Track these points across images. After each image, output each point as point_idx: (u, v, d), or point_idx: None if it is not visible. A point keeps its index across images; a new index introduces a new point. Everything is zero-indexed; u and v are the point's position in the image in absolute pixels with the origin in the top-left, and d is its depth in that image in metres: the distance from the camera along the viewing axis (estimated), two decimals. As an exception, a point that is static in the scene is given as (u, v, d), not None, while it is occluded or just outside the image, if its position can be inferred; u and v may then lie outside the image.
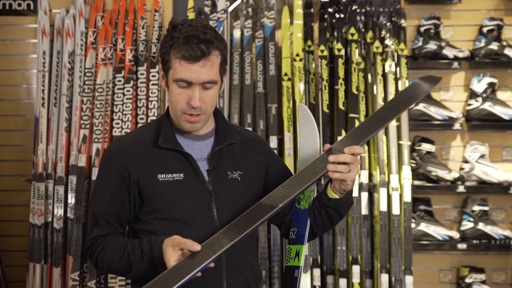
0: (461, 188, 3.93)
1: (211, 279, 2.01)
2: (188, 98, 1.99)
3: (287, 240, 2.24)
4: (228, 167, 2.09)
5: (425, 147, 3.98)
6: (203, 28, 1.99)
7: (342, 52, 3.81)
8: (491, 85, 3.99)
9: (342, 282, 3.64)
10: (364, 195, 3.70)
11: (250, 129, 3.74)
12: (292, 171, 3.58)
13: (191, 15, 3.85)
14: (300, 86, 3.76)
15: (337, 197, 2.08)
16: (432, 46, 3.99)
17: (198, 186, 2.03)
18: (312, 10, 3.92)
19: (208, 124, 2.11)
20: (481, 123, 4.00)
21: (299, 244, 2.17)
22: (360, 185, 3.68)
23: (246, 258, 2.09)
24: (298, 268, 2.15)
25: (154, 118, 3.72)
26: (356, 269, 3.65)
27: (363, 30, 3.89)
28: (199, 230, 2.00)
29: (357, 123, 3.72)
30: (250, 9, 3.91)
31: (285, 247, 3.62)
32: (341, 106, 3.75)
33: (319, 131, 3.73)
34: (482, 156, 4.00)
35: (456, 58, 3.99)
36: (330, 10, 3.90)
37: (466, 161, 4.04)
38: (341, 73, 3.79)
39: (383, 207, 3.66)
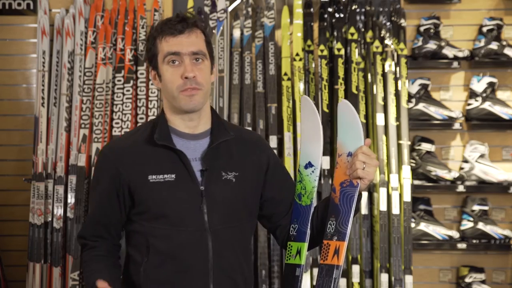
0: (460, 188, 3.93)
1: (198, 281, 2.00)
2: (181, 73, 2.01)
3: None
4: (223, 168, 2.06)
5: (425, 146, 3.98)
6: (179, 15, 2.08)
7: (342, 52, 3.81)
8: (490, 84, 3.99)
9: (342, 281, 3.65)
10: (364, 195, 3.69)
11: (249, 128, 3.74)
12: (292, 170, 3.61)
13: (191, 14, 3.85)
14: (300, 86, 3.76)
15: None
16: (431, 45, 3.99)
17: (190, 187, 2.02)
18: (312, 9, 3.92)
19: (204, 124, 2.10)
20: (480, 123, 4.00)
21: (300, 242, 2.13)
22: (360, 184, 3.68)
23: (235, 261, 2.05)
24: (299, 267, 2.12)
25: (154, 117, 3.72)
26: (356, 268, 3.65)
27: (362, 29, 3.89)
28: (188, 232, 1.99)
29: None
30: (250, 9, 3.91)
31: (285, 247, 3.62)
32: (341, 106, 3.75)
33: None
34: (481, 156, 4.00)
35: (455, 58, 3.99)
36: (330, 9, 3.90)
37: (465, 161, 4.04)
38: (340, 72, 3.79)
39: (383, 207, 3.66)
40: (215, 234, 2.01)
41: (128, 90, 3.76)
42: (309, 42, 3.85)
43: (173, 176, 2.01)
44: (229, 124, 2.18)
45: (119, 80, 3.77)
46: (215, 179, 2.04)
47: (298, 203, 2.16)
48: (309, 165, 2.17)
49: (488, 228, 3.95)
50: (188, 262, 2.00)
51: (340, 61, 3.80)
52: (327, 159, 3.71)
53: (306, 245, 2.13)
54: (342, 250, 2.03)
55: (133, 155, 2.04)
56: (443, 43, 3.99)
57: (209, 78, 2.06)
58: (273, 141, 3.73)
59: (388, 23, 3.91)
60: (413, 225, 3.87)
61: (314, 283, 3.61)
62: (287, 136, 3.72)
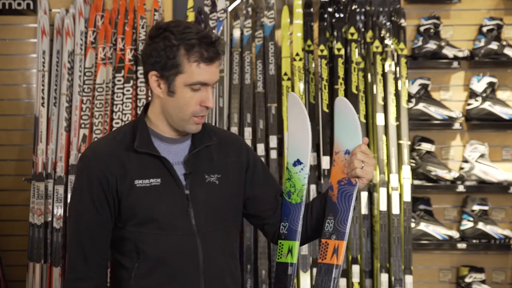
0: (460, 188, 3.93)
1: (189, 285, 2.00)
2: (200, 100, 1.97)
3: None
4: (205, 171, 2.05)
5: (425, 146, 3.98)
6: (202, 29, 2.01)
7: (342, 52, 3.81)
8: (490, 84, 3.99)
9: (342, 281, 3.64)
10: (364, 195, 3.70)
11: (249, 129, 3.75)
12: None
13: (190, 14, 3.85)
14: (300, 86, 3.76)
15: None
16: (431, 45, 3.98)
17: (175, 191, 2.00)
18: (312, 9, 3.92)
19: None
20: (480, 123, 4.00)
21: (291, 240, 2.12)
22: (360, 184, 3.68)
23: (224, 263, 2.05)
24: (292, 265, 2.11)
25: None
26: (356, 268, 3.65)
27: (362, 29, 3.89)
28: (176, 236, 1.99)
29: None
30: (249, 9, 3.91)
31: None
32: (341, 106, 3.75)
33: (318, 131, 3.74)
34: (481, 156, 4.00)
35: (455, 58, 3.99)
36: (330, 9, 3.90)
37: (465, 161, 4.04)
38: (340, 72, 3.79)
39: (383, 207, 3.66)
40: (204, 237, 2.01)
41: (128, 90, 3.76)
42: (309, 42, 3.85)
43: (159, 180, 2.00)
44: (209, 127, 2.15)
45: (119, 80, 3.77)
46: (198, 182, 2.03)
47: (288, 201, 2.15)
48: (297, 162, 2.16)
49: (488, 228, 3.95)
50: (178, 267, 1.99)
51: (340, 61, 3.80)
52: (327, 159, 3.70)
53: (297, 243, 2.11)
54: (342, 249, 2.01)
55: (117, 160, 2.00)
56: (443, 43, 3.99)
57: None
58: (273, 141, 3.73)
59: (388, 23, 3.91)
60: (413, 225, 3.87)
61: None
62: (287, 136, 3.71)
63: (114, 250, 2.07)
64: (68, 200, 3.68)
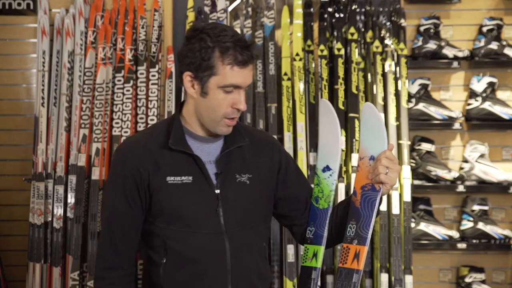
0: (460, 188, 3.93)
1: (217, 283, 2.02)
2: (232, 102, 1.99)
3: (287, 240, 2.22)
4: (236, 170, 2.07)
5: (425, 146, 3.98)
6: (237, 32, 2.04)
7: (342, 52, 3.81)
8: (490, 84, 3.99)
9: (342, 281, 3.64)
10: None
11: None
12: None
13: (190, 14, 3.85)
14: (300, 86, 3.76)
15: None
16: (431, 45, 3.99)
17: (206, 190, 2.03)
18: (311, 9, 3.92)
19: None
20: (480, 123, 4.00)
21: (317, 245, 2.14)
22: (360, 184, 3.68)
23: (251, 262, 2.07)
24: (316, 270, 2.13)
25: (154, 117, 3.73)
26: (356, 268, 3.65)
27: (362, 29, 3.89)
28: (204, 235, 2.01)
29: (356, 123, 3.73)
30: (249, 9, 3.91)
31: (285, 247, 3.62)
32: (341, 106, 3.76)
33: (318, 131, 3.74)
34: (481, 156, 4.00)
35: (455, 58, 3.99)
36: (330, 9, 3.90)
37: (465, 161, 4.04)
38: (340, 72, 3.79)
39: (383, 207, 3.66)
40: (232, 237, 2.03)
41: (128, 90, 3.76)
42: (309, 42, 3.85)
43: (190, 178, 2.02)
44: (243, 127, 2.16)
45: (119, 80, 3.77)
46: (229, 182, 2.06)
47: (315, 206, 2.16)
48: (326, 168, 2.17)
49: (488, 228, 3.95)
50: (206, 265, 2.01)
51: (340, 61, 3.80)
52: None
53: (322, 248, 2.13)
54: (363, 254, 2.02)
55: (151, 156, 2.04)
56: (443, 43, 3.99)
57: None
58: (273, 141, 3.73)
59: (388, 23, 3.91)
60: (413, 225, 3.87)
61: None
62: (287, 136, 3.72)
63: (144, 245, 2.11)
64: (69, 200, 3.70)
